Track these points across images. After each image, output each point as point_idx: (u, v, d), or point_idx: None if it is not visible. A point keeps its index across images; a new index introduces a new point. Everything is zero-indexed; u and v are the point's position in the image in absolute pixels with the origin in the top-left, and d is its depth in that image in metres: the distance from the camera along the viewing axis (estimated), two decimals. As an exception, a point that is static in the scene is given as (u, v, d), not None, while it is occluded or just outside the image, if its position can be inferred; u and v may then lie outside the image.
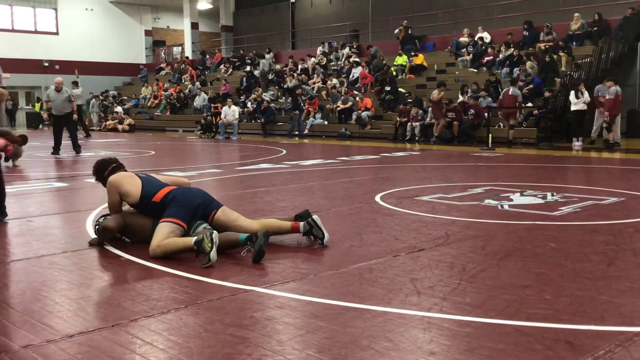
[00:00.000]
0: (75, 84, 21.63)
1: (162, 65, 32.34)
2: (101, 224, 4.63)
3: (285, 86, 23.34)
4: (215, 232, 4.14)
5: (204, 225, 4.42)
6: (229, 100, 20.90)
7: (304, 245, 4.64)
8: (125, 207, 4.80)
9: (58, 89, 13.40)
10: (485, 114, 15.24)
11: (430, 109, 16.76)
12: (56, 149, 13.67)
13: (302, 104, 20.33)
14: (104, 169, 4.89)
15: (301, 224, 4.58)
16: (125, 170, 4.94)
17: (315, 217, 4.62)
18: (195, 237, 4.14)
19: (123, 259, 4.29)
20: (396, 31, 22.87)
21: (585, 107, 14.16)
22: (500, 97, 15.57)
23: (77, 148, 13.79)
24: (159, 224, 4.37)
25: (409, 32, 22.57)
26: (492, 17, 21.94)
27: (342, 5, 28.73)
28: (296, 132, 19.93)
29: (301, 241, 4.71)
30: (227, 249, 4.32)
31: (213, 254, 4.02)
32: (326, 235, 4.58)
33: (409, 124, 17.10)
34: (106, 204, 4.91)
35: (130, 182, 4.63)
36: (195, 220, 4.45)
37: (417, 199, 6.80)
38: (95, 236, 4.80)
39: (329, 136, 19.24)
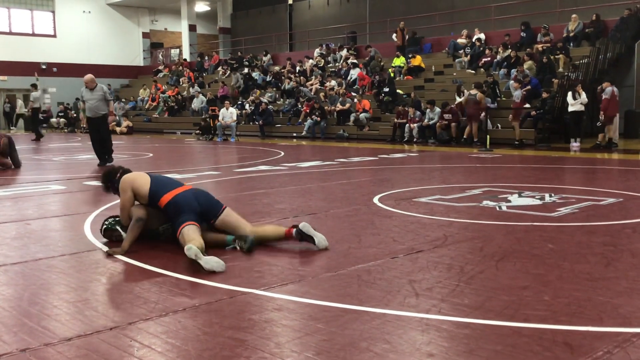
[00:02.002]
0: (34, 86, 21.53)
1: (159, 68, 32.35)
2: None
3: (283, 87, 23.35)
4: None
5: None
6: (226, 102, 20.89)
7: (302, 247, 4.63)
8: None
9: (90, 87, 11.32)
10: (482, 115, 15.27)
11: (441, 109, 16.35)
12: (101, 159, 11.59)
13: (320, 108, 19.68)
14: (114, 174, 4.91)
15: (294, 230, 4.55)
16: None
17: (302, 224, 4.52)
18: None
19: (121, 262, 4.28)
20: (394, 36, 22.80)
21: (582, 108, 14.19)
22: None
23: (108, 156, 11.60)
24: (178, 230, 4.33)
25: (414, 35, 22.44)
26: (489, 19, 21.96)
27: (340, 7, 28.75)
28: (319, 135, 19.56)
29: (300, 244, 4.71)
30: (214, 246, 4.48)
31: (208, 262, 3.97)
32: (317, 238, 4.47)
33: (407, 125, 17.10)
34: (105, 207, 4.90)
35: (141, 179, 4.71)
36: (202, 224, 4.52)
37: (415, 200, 6.80)
38: (105, 239, 4.85)
39: (327, 138, 19.24)
